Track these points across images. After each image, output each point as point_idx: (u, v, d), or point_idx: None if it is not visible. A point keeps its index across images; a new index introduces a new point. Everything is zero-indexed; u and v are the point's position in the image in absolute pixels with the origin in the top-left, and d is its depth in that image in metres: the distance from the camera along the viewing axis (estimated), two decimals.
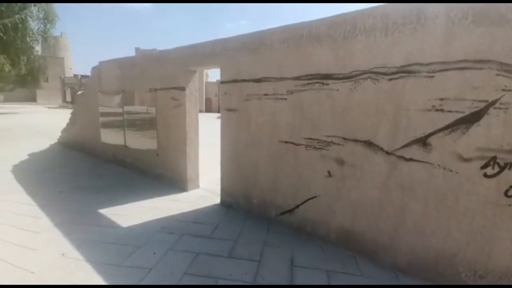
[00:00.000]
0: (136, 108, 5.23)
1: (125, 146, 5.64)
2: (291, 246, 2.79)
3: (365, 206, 2.52)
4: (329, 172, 2.77)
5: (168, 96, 4.50)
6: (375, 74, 2.31)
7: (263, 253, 2.65)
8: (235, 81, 3.48)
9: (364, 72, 2.37)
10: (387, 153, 2.32)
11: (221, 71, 3.63)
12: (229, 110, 3.60)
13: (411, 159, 2.22)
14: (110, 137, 6.06)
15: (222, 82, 3.65)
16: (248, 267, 2.42)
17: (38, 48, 16.03)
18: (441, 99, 2.08)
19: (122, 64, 5.49)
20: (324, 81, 2.69)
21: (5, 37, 8.40)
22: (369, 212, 2.50)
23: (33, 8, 10.18)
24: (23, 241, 2.71)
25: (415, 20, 2.14)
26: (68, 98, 40.28)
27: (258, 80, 3.23)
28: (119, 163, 5.91)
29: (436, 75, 2.09)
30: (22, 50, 10.73)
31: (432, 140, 2.15)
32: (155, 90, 4.74)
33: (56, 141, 8.59)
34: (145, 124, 5.08)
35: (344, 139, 2.59)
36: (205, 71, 31.96)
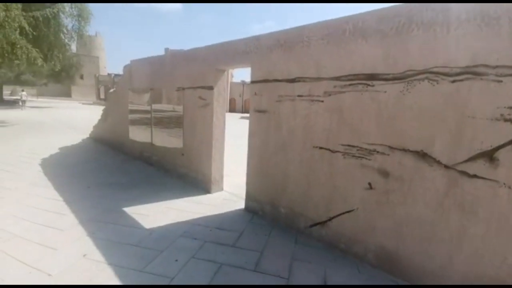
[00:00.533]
0: (164, 106, 5.21)
1: (152, 144, 5.64)
2: (322, 262, 2.53)
3: (413, 226, 2.20)
4: (370, 184, 2.48)
5: (195, 95, 4.40)
6: (434, 74, 2.00)
7: (291, 268, 2.42)
8: (266, 81, 3.28)
9: (421, 72, 2.06)
10: (446, 167, 1.99)
11: (252, 70, 3.45)
12: (259, 111, 3.40)
13: (475, 176, 1.89)
14: (138, 135, 6.11)
15: (252, 82, 3.46)
16: (276, 284, 2.20)
17: (73, 47, 16.76)
18: (510, 108, 1.75)
19: (151, 62, 5.50)
20: (369, 82, 2.41)
21: (35, 33, 8.72)
22: (418, 233, 2.17)
23: (66, 4, 10.48)
24: (45, 240, 2.67)
25: (479, 18, 1.83)
26: (102, 95, 42.43)
27: (292, 80, 3.00)
28: (145, 160, 5.94)
29: (504, 80, 1.76)
30: (57, 47, 11.14)
31: (500, 154, 1.81)
32: (183, 89, 4.67)
33: (87, 136, 8.91)
34: (171, 123, 5.03)
35: (391, 148, 2.29)
36: (230, 71, 32.18)
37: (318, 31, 2.72)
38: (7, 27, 6.79)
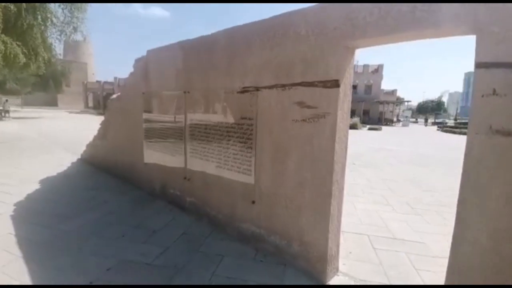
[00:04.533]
0: (210, 117, 3.19)
1: (185, 178, 3.59)
2: None
3: None
4: None
5: (288, 99, 2.42)
6: None
7: None
8: None
9: None
10: None
11: (481, 40, 1.50)
12: (506, 134, 1.45)
13: None
14: (160, 160, 4.05)
15: (480, 66, 1.51)
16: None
17: (60, 49, 14.33)
18: None
19: (187, 49, 3.48)
20: None
21: (19, 22, 6.36)
22: None
23: None
24: None
25: None
26: (90, 104, 39.84)
27: None
28: (171, 200, 3.87)
29: None
30: (44, 46, 8.68)
31: None
32: (256, 89, 2.68)
33: (78, 157, 6.72)
34: (228, 146, 3.01)
35: None
36: None
37: None
38: None
